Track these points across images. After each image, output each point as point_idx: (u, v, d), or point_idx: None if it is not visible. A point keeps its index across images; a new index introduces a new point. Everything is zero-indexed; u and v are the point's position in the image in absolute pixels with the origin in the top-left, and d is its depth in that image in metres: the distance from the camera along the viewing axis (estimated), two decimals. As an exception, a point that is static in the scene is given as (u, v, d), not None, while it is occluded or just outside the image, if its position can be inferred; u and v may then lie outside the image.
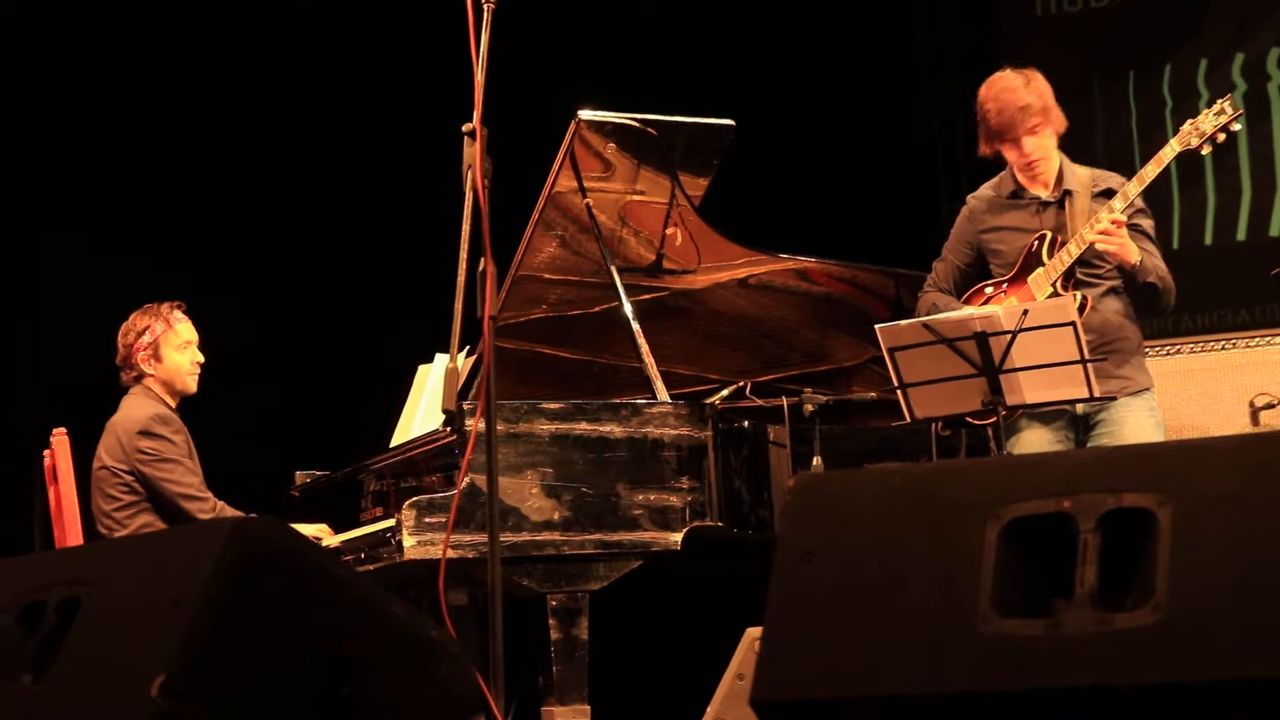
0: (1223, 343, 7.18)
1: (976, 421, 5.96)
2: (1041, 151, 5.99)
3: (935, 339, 5.67)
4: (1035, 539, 2.83)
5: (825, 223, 7.97)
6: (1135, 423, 5.87)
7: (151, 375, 6.73)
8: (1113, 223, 5.71)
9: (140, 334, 6.73)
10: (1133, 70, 8.86)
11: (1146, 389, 5.98)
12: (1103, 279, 5.95)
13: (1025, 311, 5.61)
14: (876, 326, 5.83)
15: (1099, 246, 5.76)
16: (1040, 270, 5.94)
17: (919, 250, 8.03)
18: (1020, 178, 6.07)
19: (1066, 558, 2.78)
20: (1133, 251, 5.78)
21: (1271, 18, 8.73)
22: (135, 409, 6.69)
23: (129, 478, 6.61)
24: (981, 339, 5.61)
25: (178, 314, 6.81)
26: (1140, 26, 8.98)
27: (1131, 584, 2.74)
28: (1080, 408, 5.91)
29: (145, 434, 6.60)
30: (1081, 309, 5.83)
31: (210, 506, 6.60)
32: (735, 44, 8.72)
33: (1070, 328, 5.54)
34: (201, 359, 6.80)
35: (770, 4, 8.87)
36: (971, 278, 6.12)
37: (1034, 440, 5.93)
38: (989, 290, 6.08)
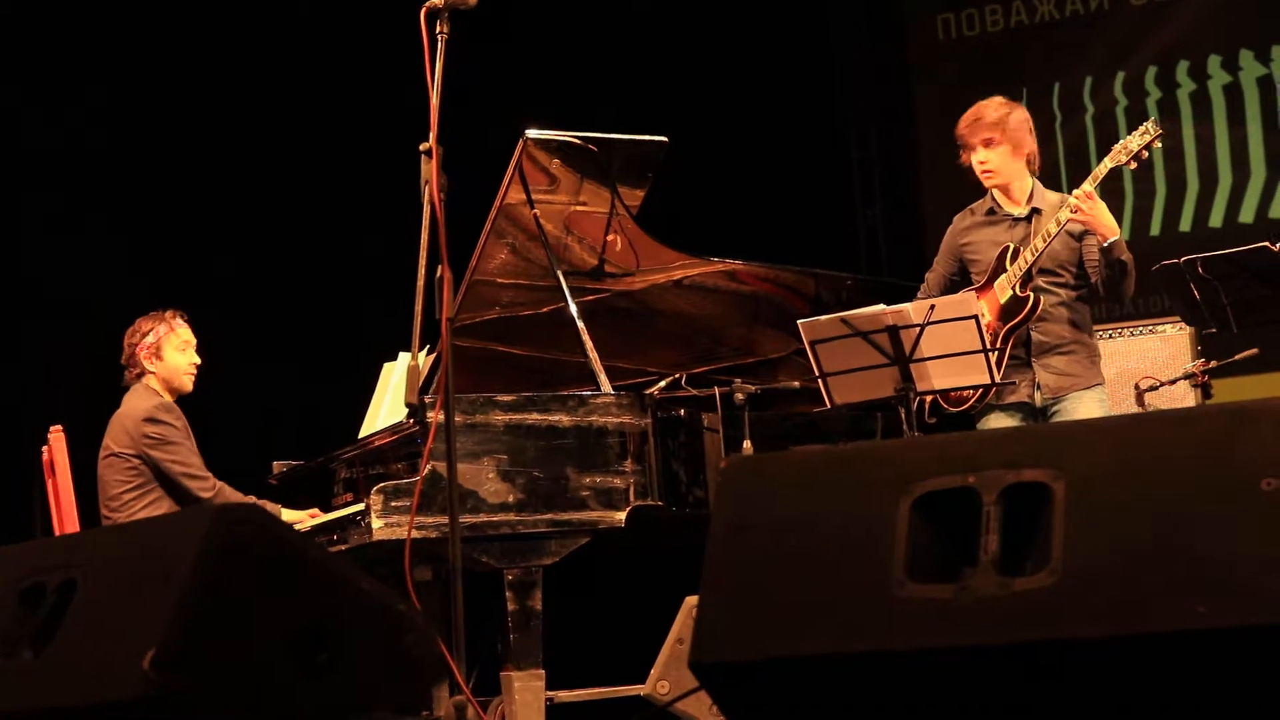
0: (1110, 332, 7.21)
1: (952, 409, 6.04)
2: (993, 164, 6.11)
3: (851, 332, 5.69)
4: (943, 511, 2.84)
5: (751, 229, 7.98)
6: (1085, 412, 5.93)
7: (152, 373, 6.77)
8: (1080, 201, 5.77)
9: (144, 335, 6.80)
10: (1026, 88, 8.89)
11: (1097, 384, 6.06)
12: (1060, 288, 6.02)
13: (932, 306, 5.65)
14: (799, 322, 5.86)
15: (1077, 216, 5.80)
16: (1004, 276, 6.01)
17: (836, 252, 8.09)
18: (996, 194, 6.18)
19: (971, 528, 2.79)
20: (1110, 224, 5.85)
21: (1147, 41, 8.79)
22: (138, 401, 6.74)
23: (136, 461, 6.65)
24: (893, 332, 5.63)
25: (179, 320, 6.86)
26: (1031, 49, 9.03)
27: (1030, 551, 2.75)
28: (1039, 400, 6.00)
29: (150, 420, 6.65)
30: (1033, 310, 5.91)
31: (210, 485, 6.63)
32: (670, 68, 8.72)
33: (972, 320, 5.58)
34: (198, 361, 6.85)
35: (701, 34, 8.86)
36: (958, 285, 6.18)
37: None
38: None
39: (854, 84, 9.33)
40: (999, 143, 6.10)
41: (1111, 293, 6.03)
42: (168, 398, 6.78)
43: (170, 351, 6.79)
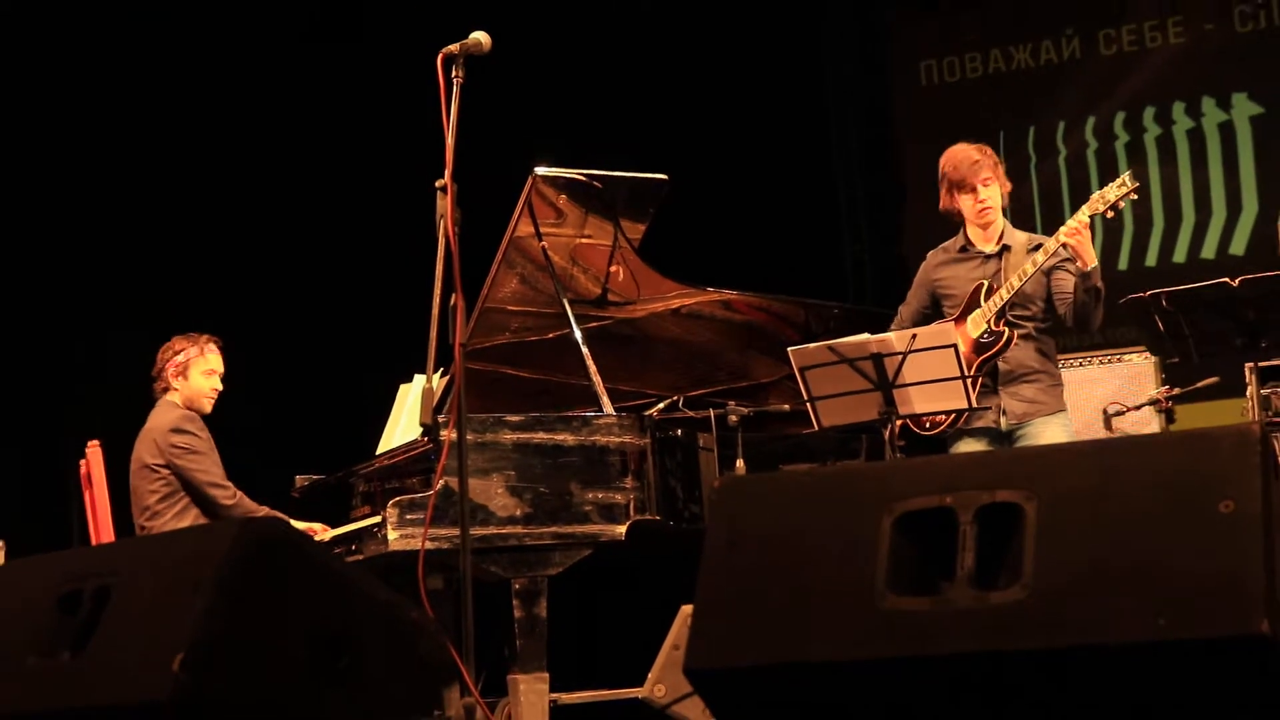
0: (1081, 360, 7.23)
1: (924, 432, 6.04)
2: (992, 201, 6.13)
3: (839, 359, 5.69)
4: (922, 529, 2.84)
5: (745, 261, 7.97)
6: (1050, 436, 5.93)
7: (176, 390, 6.76)
8: (1075, 229, 5.79)
9: (176, 353, 6.81)
10: (1002, 130, 8.92)
11: (1061, 411, 6.06)
12: (1027, 321, 6.03)
13: (914, 335, 5.66)
14: (789, 349, 5.85)
15: (1068, 241, 5.80)
16: (978, 311, 6.02)
17: (825, 284, 8.09)
18: (970, 233, 6.17)
19: (949, 545, 2.80)
20: (1093, 254, 5.86)
21: (1116, 88, 8.81)
22: (164, 415, 6.74)
23: (165, 472, 6.65)
24: (877, 359, 5.63)
25: (211, 345, 6.85)
26: (1008, 95, 9.04)
27: (1003, 567, 2.75)
28: (1004, 426, 6.00)
29: (177, 431, 6.65)
30: (1008, 343, 5.92)
31: (230, 494, 6.63)
32: (673, 111, 8.73)
33: (951, 349, 5.59)
34: (220, 388, 6.83)
35: (702, 81, 8.88)
36: (930, 318, 6.17)
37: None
38: None
39: (842, 127, 9.35)
40: (994, 181, 6.11)
41: (1081, 321, 6.02)
42: (197, 416, 6.80)
43: (195, 374, 6.78)
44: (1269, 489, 2.65)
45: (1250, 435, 2.70)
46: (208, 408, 6.82)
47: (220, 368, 6.83)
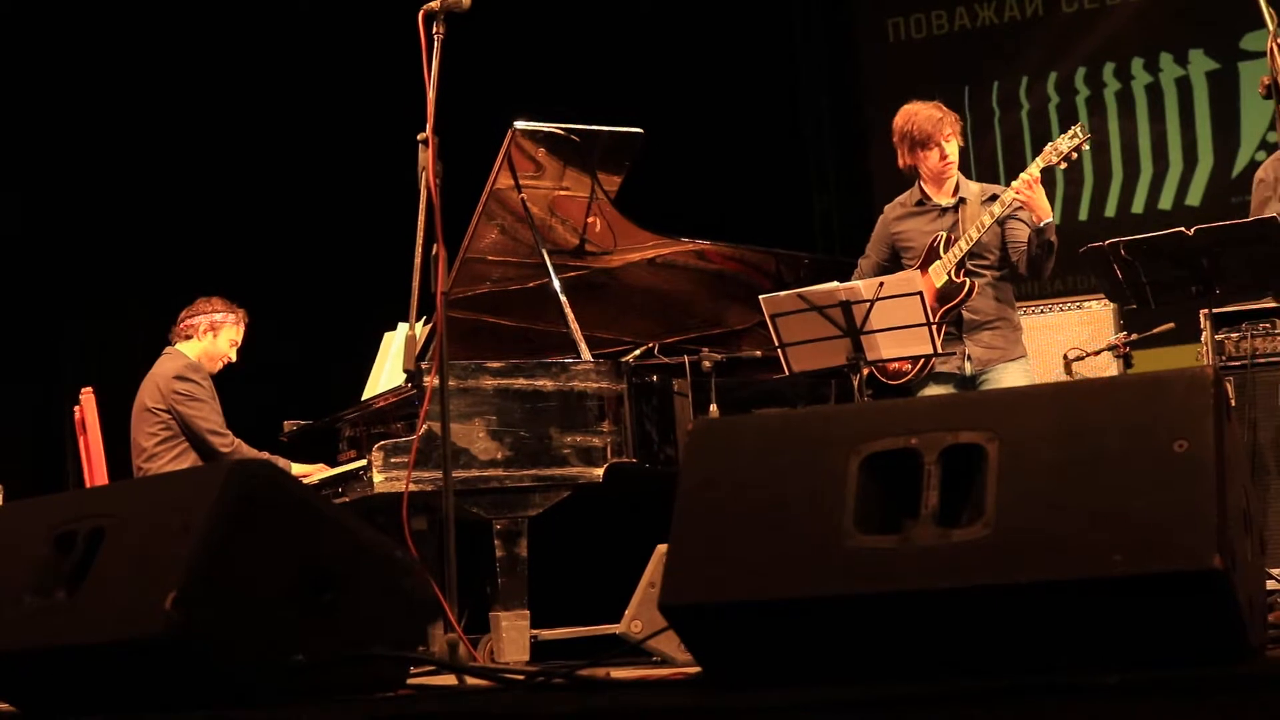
0: (1042, 307, 7.23)
1: (892, 381, 6.05)
2: (954, 156, 6.15)
3: (808, 307, 5.70)
4: (888, 470, 2.84)
5: (718, 213, 7.96)
6: (1011, 380, 5.96)
7: (197, 342, 6.81)
8: (1025, 184, 5.81)
9: (215, 311, 6.93)
10: (967, 86, 8.90)
11: (1021, 356, 6.09)
12: (987, 270, 6.05)
13: (881, 284, 5.67)
14: (760, 297, 5.86)
15: (1017, 198, 5.83)
16: (939, 262, 6.03)
17: (795, 234, 8.08)
18: (928, 187, 6.17)
19: (914, 485, 2.80)
20: (1046, 207, 5.91)
21: (1077, 45, 8.80)
22: (171, 362, 6.81)
23: (166, 416, 6.69)
24: (846, 306, 5.64)
25: (243, 319, 7.00)
26: (972, 51, 9.02)
27: (966, 505, 2.76)
28: (969, 370, 6.02)
29: (180, 378, 6.70)
30: (969, 293, 5.94)
31: (229, 441, 6.66)
32: (646, 66, 8.69)
33: (917, 297, 5.59)
34: (234, 359, 6.92)
35: (673, 37, 8.84)
36: (889, 270, 6.17)
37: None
38: None
39: (812, 82, 9.32)
40: (954, 137, 6.13)
41: (1033, 270, 6.05)
42: (203, 368, 6.82)
43: (224, 337, 6.91)
44: (1221, 430, 2.66)
45: (1203, 378, 2.71)
46: (217, 369, 6.88)
47: (240, 341, 6.94)
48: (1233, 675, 2.45)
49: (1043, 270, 6.03)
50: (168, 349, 6.86)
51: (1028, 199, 5.84)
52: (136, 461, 6.76)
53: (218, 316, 6.85)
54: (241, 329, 6.93)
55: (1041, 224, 5.88)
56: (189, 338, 6.84)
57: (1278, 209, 5.46)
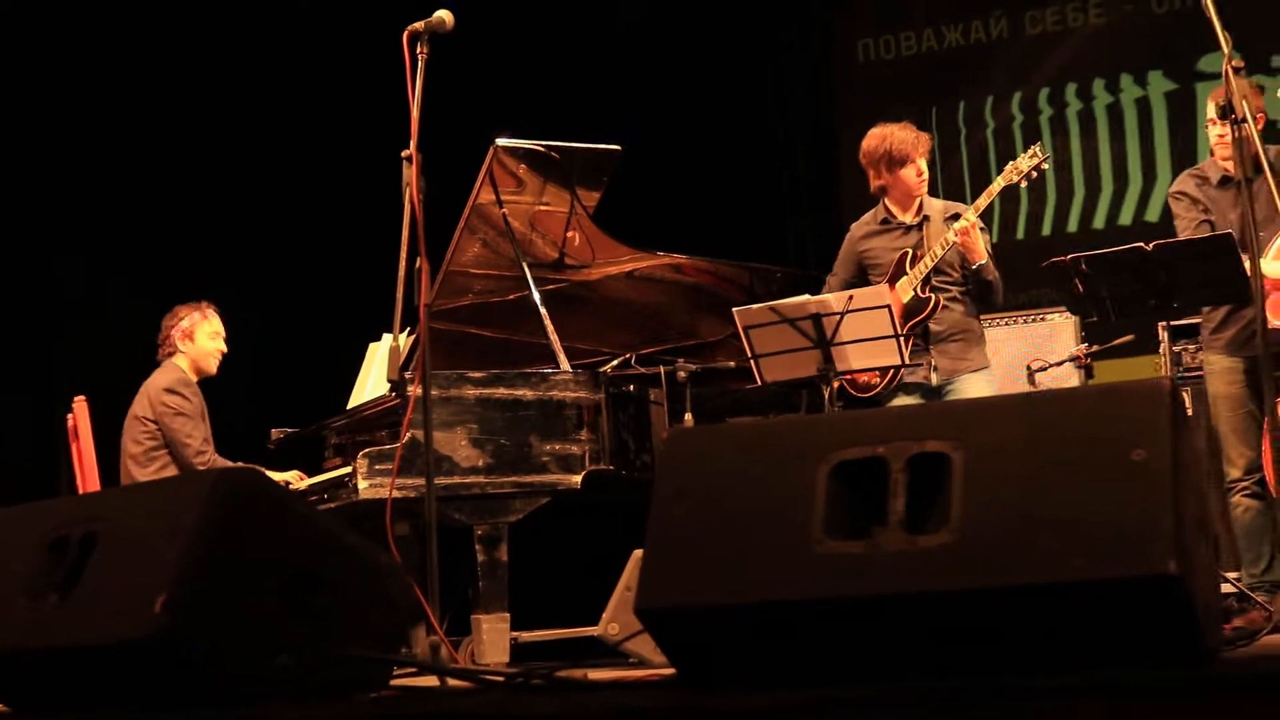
0: (1006, 320, 7.26)
1: (861, 394, 6.06)
2: (926, 174, 6.17)
3: (780, 319, 5.71)
4: (857, 477, 2.85)
5: (695, 228, 7.97)
6: (976, 391, 5.98)
7: (184, 353, 6.80)
8: (965, 230, 5.87)
9: (181, 319, 6.89)
10: (934, 106, 8.94)
11: (985, 367, 6.12)
12: (951, 286, 6.07)
13: (850, 297, 5.68)
14: (734, 309, 5.87)
15: (958, 240, 5.87)
16: (905, 278, 6.05)
17: (769, 249, 8.08)
18: (896, 206, 6.18)
19: (881, 492, 2.80)
20: (981, 251, 5.95)
21: (1040, 66, 8.83)
22: (164, 375, 6.81)
23: (152, 426, 6.69)
24: (816, 319, 5.66)
25: (212, 310, 6.94)
26: (940, 72, 9.05)
27: (932, 512, 2.76)
28: (935, 381, 6.03)
29: (170, 391, 6.70)
30: (935, 309, 5.96)
31: (206, 459, 6.65)
32: (627, 87, 8.70)
33: (885, 310, 5.61)
34: (225, 349, 6.91)
35: (655, 58, 8.85)
36: (856, 286, 6.17)
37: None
38: None
39: (786, 102, 9.34)
40: (925, 155, 6.17)
41: (981, 302, 6.12)
42: (193, 377, 6.81)
43: (202, 337, 6.86)
44: (1178, 439, 2.67)
45: (1161, 389, 2.72)
46: (214, 368, 6.88)
47: (222, 330, 6.91)
48: (1189, 677, 2.46)
49: (990, 302, 6.11)
50: (164, 363, 6.85)
51: (963, 242, 5.91)
52: (125, 466, 6.76)
53: (185, 322, 6.84)
54: (214, 317, 6.89)
55: (976, 265, 5.95)
56: (173, 353, 6.83)
57: (1209, 229, 5.50)
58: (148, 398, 6.75)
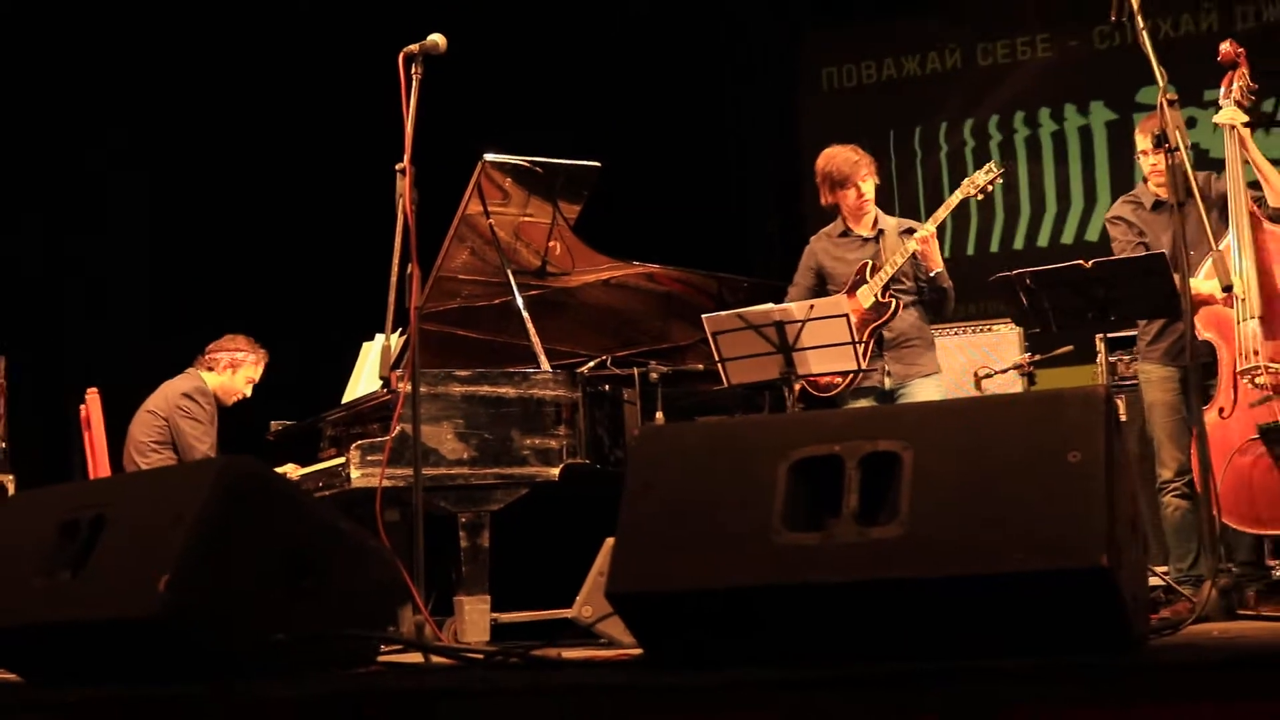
0: (956, 330, 7.28)
1: (821, 394, 6.06)
2: (871, 194, 6.21)
3: (746, 325, 5.72)
4: (814, 474, 2.86)
5: (668, 239, 7.96)
6: (926, 394, 6.00)
7: (217, 374, 6.80)
8: (922, 239, 5.92)
9: (238, 350, 6.93)
10: (892, 130, 8.96)
11: (935, 373, 6.13)
12: (905, 294, 6.08)
13: (812, 306, 5.69)
14: (703, 316, 5.88)
15: (919, 249, 5.89)
16: (865, 286, 6.06)
17: (737, 260, 8.08)
18: (849, 221, 6.19)
19: (836, 487, 2.81)
20: (938, 259, 6.02)
21: (990, 95, 8.86)
22: (185, 381, 6.85)
23: (164, 423, 6.68)
24: (779, 326, 5.66)
25: (263, 359, 7.00)
26: (898, 99, 9.07)
27: (883, 507, 2.77)
28: (888, 385, 6.04)
29: (187, 396, 6.73)
30: (894, 312, 5.98)
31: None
32: (609, 107, 8.70)
33: (844, 318, 5.62)
34: (248, 394, 6.90)
35: (636, 82, 8.85)
36: (815, 295, 6.18)
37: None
38: None
39: (756, 125, 9.35)
40: (870, 177, 6.18)
41: (933, 311, 6.14)
42: (212, 396, 6.80)
43: (242, 374, 6.93)
44: (1111, 442, 2.69)
45: (1096, 396, 2.74)
46: (230, 404, 6.88)
47: (257, 379, 6.91)
48: (1117, 663, 2.48)
49: (941, 310, 6.15)
50: (189, 370, 6.86)
51: (923, 251, 5.94)
52: (128, 452, 6.75)
53: (239, 355, 6.87)
54: (260, 369, 6.93)
55: (932, 273, 5.98)
56: (210, 369, 6.83)
57: (1144, 248, 5.53)
58: (164, 396, 6.75)
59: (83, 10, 8.53)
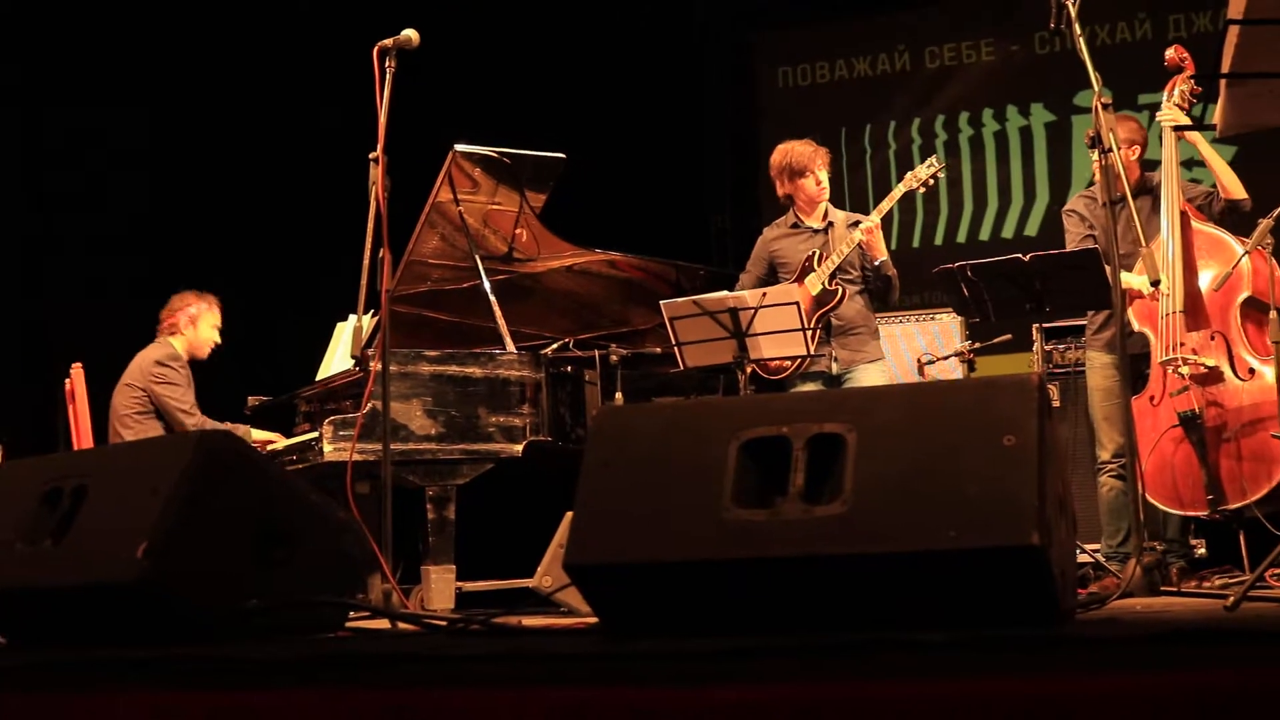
0: (900, 318, 7.30)
1: (771, 376, 6.07)
2: (826, 183, 6.20)
3: (702, 311, 5.72)
4: (763, 453, 2.87)
5: (629, 228, 7.96)
6: (870, 380, 6.01)
7: (183, 335, 6.73)
8: (868, 230, 5.94)
9: (189, 306, 6.79)
10: (844, 127, 8.97)
11: (880, 359, 6.14)
12: (852, 283, 6.09)
13: (764, 294, 5.70)
14: (661, 302, 5.88)
15: (864, 239, 5.91)
16: (813, 274, 6.06)
17: (694, 249, 8.09)
18: (801, 213, 6.20)
19: (784, 467, 2.82)
20: (882, 249, 6.04)
21: (937, 95, 8.88)
22: (157, 349, 6.73)
23: (141, 393, 6.61)
24: (734, 312, 5.67)
25: (216, 304, 6.84)
26: (849, 98, 9.08)
27: (827, 485, 2.79)
28: (835, 370, 6.04)
29: (160, 364, 6.63)
30: (841, 299, 5.99)
31: (196, 420, 6.58)
32: (571, 102, 8.68)
33: (794, 306, 5.63)
34: (219, 341, 6.82)
35: (597, 77, 8.83)
36: (766, 283, 6.18)
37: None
38: None
39: (714, 121, 9.35)
40: (825, 168, 6.19)
41: (878, 298, 6.16)
42: (184, 357, 6.74)
43: (204, 326, 6.79)
44: (1043, 428, 2.71)
45: (1029, 384, 2.76)
46: (206, 354, 6.82)
47: (220, 323, 6.84)
48: (1045, 635, 2.50)
49: (886, 298, 6.17)
50: (159, 340, 6.78)
51: (868, 241, 5.97)
52: (113, 425, 6.71)
53: (192, 309, 6.78)
54: (217, 311, 6.84)
55: (878, 262, 6.00)
56: (174, 333, 6.76)
57: (1092, 243, 5.56)
58: (139, 368, 6.68)
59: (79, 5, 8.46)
